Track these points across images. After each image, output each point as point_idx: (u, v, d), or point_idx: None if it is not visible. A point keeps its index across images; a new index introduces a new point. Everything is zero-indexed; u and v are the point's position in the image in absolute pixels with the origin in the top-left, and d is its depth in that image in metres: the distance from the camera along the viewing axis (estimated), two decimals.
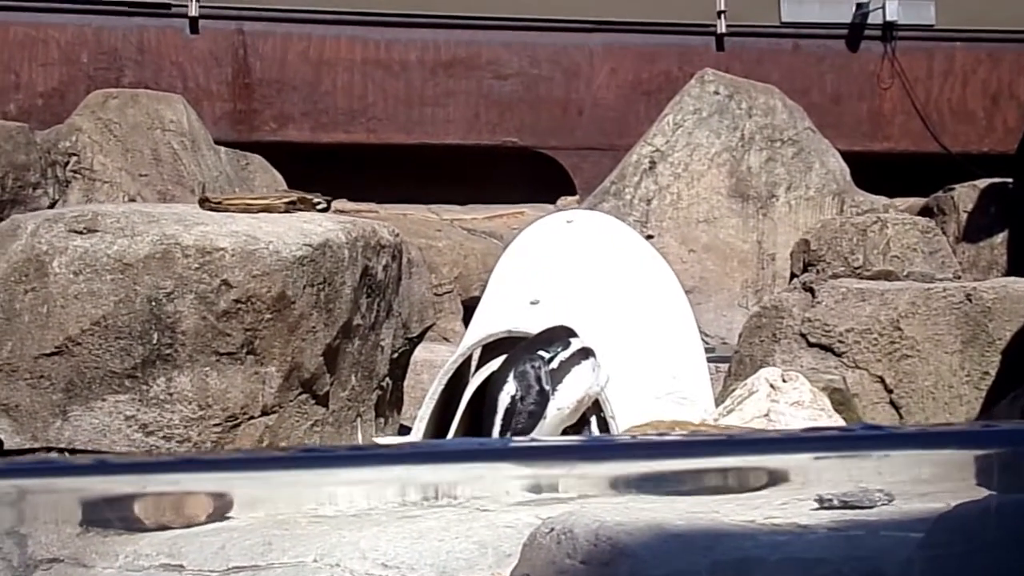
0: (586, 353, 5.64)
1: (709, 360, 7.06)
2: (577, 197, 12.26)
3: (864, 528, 3.43)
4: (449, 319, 10.16)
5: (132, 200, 9.70)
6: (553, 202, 12.11)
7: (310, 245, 5.63)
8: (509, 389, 5.58)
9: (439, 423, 6.20)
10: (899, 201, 11.30)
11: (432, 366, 7.22)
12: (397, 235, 6.40)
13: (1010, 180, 10.40)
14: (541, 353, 5.60)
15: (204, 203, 6.16)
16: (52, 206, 9.20)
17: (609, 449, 2.31)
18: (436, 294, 9.92)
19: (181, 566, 3.99)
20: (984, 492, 2.48)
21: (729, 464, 2.26)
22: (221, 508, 3.01)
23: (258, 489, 2.26)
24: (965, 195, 10.24)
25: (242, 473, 2.08)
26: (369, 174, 12.22)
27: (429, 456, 2.11)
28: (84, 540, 4.23)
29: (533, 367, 5.57)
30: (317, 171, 11.34)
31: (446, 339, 9.47)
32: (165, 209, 6.14)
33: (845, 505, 3.52)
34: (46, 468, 2.10)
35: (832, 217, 10.22)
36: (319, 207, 6.27)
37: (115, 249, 5.47)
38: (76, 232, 5.54)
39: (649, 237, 10.53)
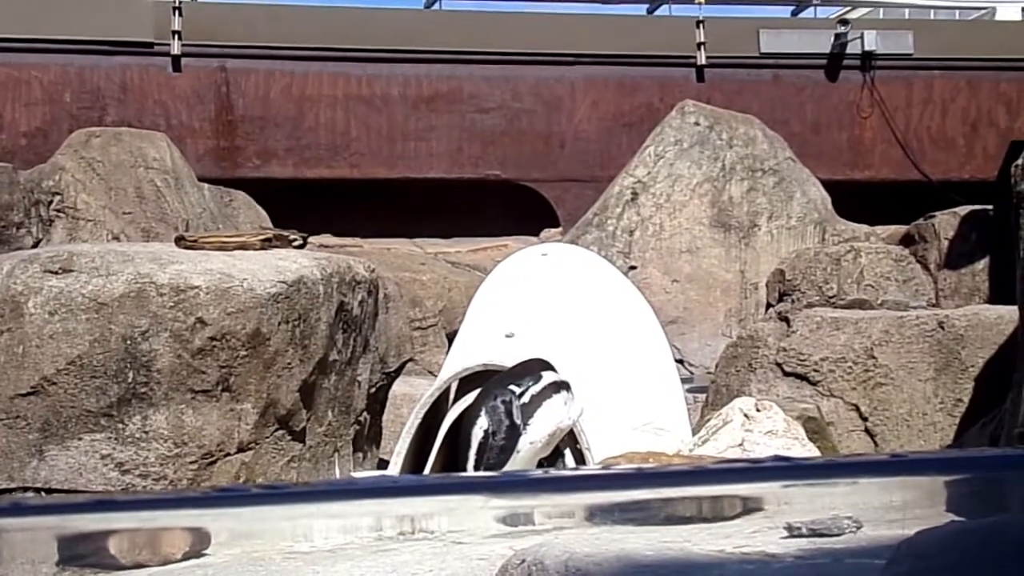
0: (558, 386, 5.65)
1: (687, 390, 7.08)
2: (560, 229, 12.26)
3: (830, 556, 3.45)
4: (434, 352, 10.13)
5: (116, 238, 9.69)
6: (536, 234, 12.12)
7: (284, 282, 5.61)
8: (481, 424, 5.58)
9: (418, 456, 6.20)
10: (880, 229, 11.31)
11: (412, 400, 7.20)
12: (373, 270, 6.39)
13: (991, 207, 10.41)
14: (512, 388, 5.61)
15: (180, 241, 6.15)
16: (36, 245, 9.19)
17: (582, 481, 2.32)
18: (421, 327, 9.91)
19: None
20: (951, 517, 2.50)
21: (701, 494, 2.28)
22: (197, 545, 3.02)
23: (234, 526, 2.27)
24: (946, 222, 10.24)
25: (218, 510, 2.09)
26: (353, 209, 12.23)
27: (403, 490, 2.12)
28: None
29: (504, 402, 5.57)
30: (301, 206, 11.35)
31: (431, 372, 9.43)
32: (140, 248, 6.13)
33: (814, 533, 3.53)
34: (22, 508, 2.11)
35: (807, 247, 10.25)
36: (295, 243, 6.26)
37: (90, 289, 5.45)
38: (51, 272, 5.52)
39: (632, 268, 10.56)
